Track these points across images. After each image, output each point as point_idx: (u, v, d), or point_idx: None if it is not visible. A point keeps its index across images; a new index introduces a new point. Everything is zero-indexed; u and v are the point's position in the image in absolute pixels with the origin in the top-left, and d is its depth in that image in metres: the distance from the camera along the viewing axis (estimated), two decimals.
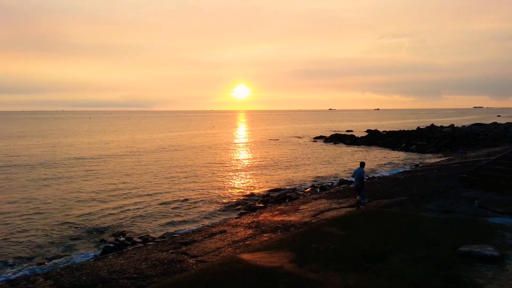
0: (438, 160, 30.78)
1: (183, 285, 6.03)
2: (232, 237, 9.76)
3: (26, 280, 7.55)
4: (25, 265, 10.71)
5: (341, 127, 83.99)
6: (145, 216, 15.59)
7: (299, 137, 59.26)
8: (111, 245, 11.98)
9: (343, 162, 31.84)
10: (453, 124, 69.57)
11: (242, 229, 10.52)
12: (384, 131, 59.08)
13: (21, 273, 9.91)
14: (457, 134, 47.28)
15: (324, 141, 52.11)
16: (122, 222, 14.71)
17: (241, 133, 75.33)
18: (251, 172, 26.95)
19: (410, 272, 6.02)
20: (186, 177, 24.58)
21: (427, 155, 35.46)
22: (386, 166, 29.19)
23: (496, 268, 6.12)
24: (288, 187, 21.23)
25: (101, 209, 16.60)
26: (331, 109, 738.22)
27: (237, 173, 26.60)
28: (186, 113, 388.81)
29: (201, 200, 18.28)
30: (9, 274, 9.90)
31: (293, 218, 11.28)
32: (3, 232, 13.56)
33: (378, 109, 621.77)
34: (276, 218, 11.54)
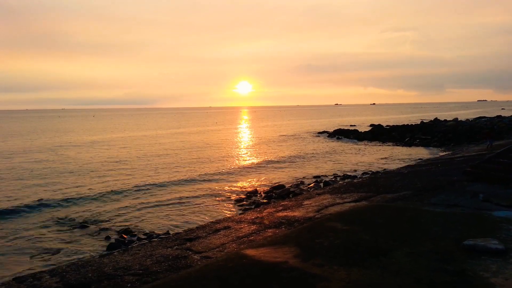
0: (442, 154, 30.66)
1: (188, 281, 6.05)
2: (236, 233, 9.78)
3: (32, 277, 7.61)
4: (30, 262, 10.80)
5: (345, 122, 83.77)
6: (149, 212, 15.66)
7: (303, 133, 59.18)
8: (116, 241, 12.06)
9: (346, 157, 31.77)
10: (457, 118, 69.19)
11: (246, 225, 10.54)
12: (387, 126, 58.86)
13: (27, 270, 10.00)
14: (461, 128, 47.03)
15: (328, 136, 52.02)
16: (127, 219, 14.78)
17: (244, 129, 75.30)
18: (254, 168, 26.96)
19: (414, 266, 6.01)
20: (189, 174, 24.63)
21: (431, 149, 35.33)
22: (390, 160, 29.12)
23: (501, 262, 6.10)
24: (291, 183, 21.23)
25: (106, 206, 16.69)
26: (337, 104, 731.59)
27: (240, 170, 26.63)
28: (188, 110, 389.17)
29: (205, 196, 18.33)
30: (15, 271, 9.99)
31: (297, 213, 11.28)
32: (8, 229, 13.66)
33: (374, 103, 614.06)
34: (280, 214, 11.54)
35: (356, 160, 29.62)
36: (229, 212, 15.51)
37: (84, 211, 16.03)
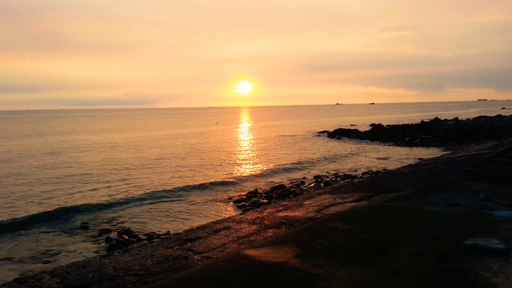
0: (442, 153, 30.64)
1: (188, 281, 6.05)
2: (236, 233, 9.78)
3: (33, 278, 7.61)
4: (31, 263, 10.80)
5: (345, 122, 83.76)
6: (150, 213, 15.66)
7: (303, 132, 59.16)
8: (117, 242, 12.05)
9: (347, 156, 31.77)
10: (457, 117, 69.16)
11: (246, 225, 10.54)
12: (388, 125, 58.84)
13: (27, 271, 10.00)
14: (462, 128, 47.03)
15: (328, 136, 52.02)
16: (127, 220, 14.78)
17: (244, 130, 75.29)
18: (254, 169, 26.96)
19: (415, 266, 6.01)
20: (189, 175, 24.63)
21: (432, 149, 35.32)
22: (390, 160, 29.11)
23: (502, 261, 6.10)
24: (292, 183, 21.22)
25: (106, 207, 16.69)
26: (338, 103, 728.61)
27: (240, 170, 26.63)
28: (188, 110, 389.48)
29: (206, 197, 18.34)
30: (16, 272, 9.99)
31: (297, 213, 11.28)
32: (8, 230, 13.66)
33: (373, 103, 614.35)
34: (280, 214, 11.54)
35: (356, 159, 29.63)
36: (230, 213, 15.51)
37: (84, 212, 16.03)
